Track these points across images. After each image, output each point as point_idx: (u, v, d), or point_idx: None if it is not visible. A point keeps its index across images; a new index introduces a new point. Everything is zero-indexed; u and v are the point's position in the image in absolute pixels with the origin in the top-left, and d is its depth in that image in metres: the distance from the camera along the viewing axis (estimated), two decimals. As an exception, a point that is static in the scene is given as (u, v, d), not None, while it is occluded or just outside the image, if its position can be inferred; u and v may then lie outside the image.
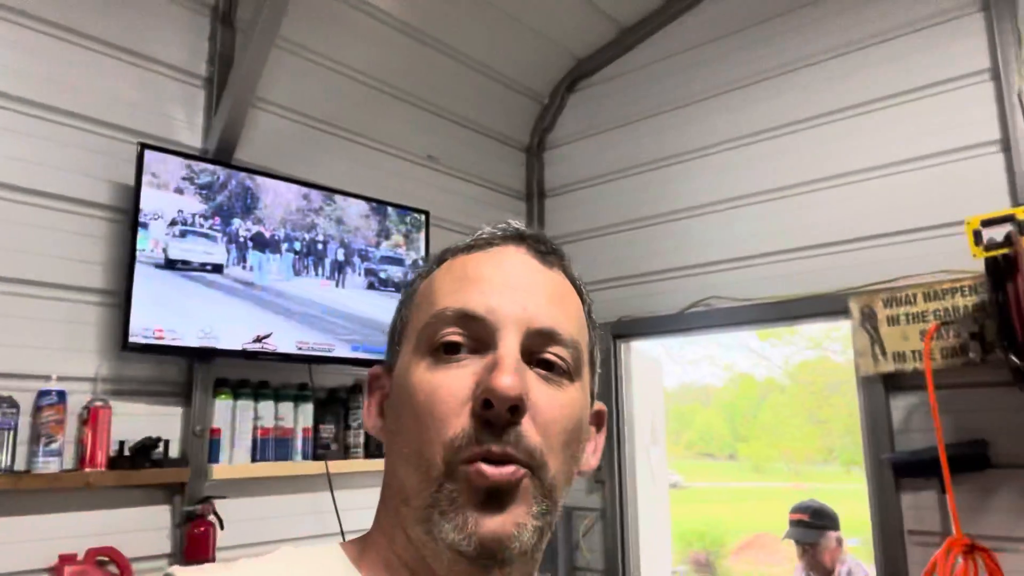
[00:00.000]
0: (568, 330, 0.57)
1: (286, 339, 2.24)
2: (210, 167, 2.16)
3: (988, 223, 1.89)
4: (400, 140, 2.90)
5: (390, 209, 2.61)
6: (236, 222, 2.19)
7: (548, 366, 0.55)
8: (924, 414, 2.31)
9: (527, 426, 0.52)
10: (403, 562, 0.55)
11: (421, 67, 2.94)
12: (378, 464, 2.49)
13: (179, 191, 2.09)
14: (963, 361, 2.19)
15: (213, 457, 2.14)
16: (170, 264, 2.04)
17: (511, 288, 0.56)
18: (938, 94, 2.43)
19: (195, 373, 2.16)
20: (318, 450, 2.38)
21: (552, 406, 0.54)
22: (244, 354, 2.16)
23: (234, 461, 2.17)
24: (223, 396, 2.19)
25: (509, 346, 0.53)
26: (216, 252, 2.14)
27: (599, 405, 0.66)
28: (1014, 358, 1.87)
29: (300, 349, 2.27)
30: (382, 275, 2.55)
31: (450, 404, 0.52)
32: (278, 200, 2.31)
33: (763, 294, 2.70)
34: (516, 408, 0.51)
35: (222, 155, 2.26)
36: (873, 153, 2.53)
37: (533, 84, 3.34)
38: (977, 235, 1.90)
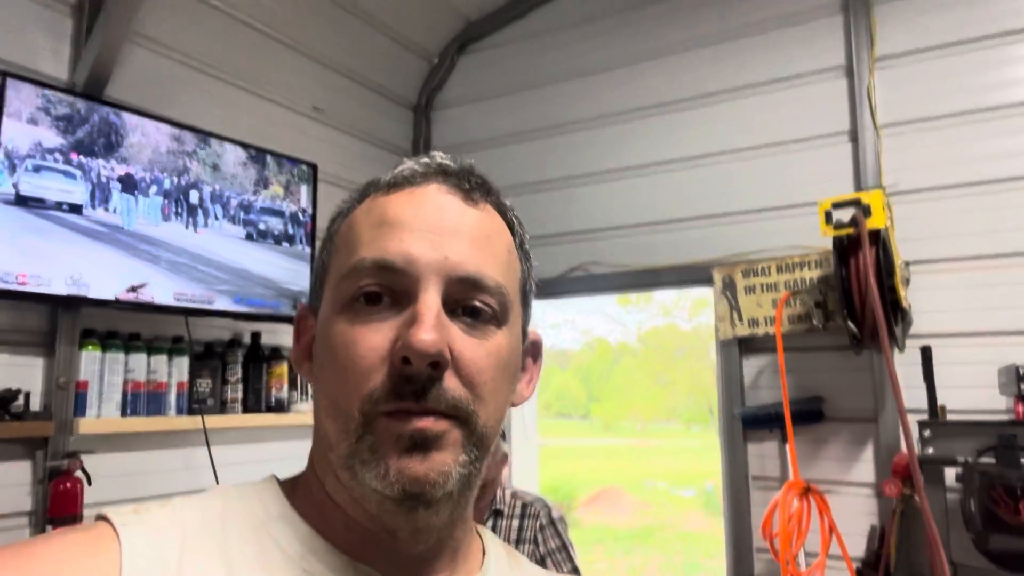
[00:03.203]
0: (493, 275, 0.55)
1: (162, 289, 2.14)
2: (71, 99, 1.99)
3: (837, 205, 2.12)
4: (286, 89, 2.79)
5: (269, 159, 2.52)
6: (99, 160, 2.04)
7: (473, 313, 0.54)
8: (771, 374, 2.57)
9: (450, 380, 0.51)
10: (335, 502, 0.56)
11: (309, 15, 2.83)
12: (256, 420, 2.46)
13: (33, 121, 1.92)
14: (807, 327, 2.46)
15: (79, 411, 2.02)
16: (21, 201, 1.87)
17: (431, 232, 0.54)
18: (798, 86, 2.67)
19: (60, 322, 2.02)
20: (193, 405, 2.31)
21: (478, 356, 0.53)
22: (118, 304, 2.04)
23: (103, 415, 2.06)
24: (90, 347, 2.07)
25: (429, 298, 0.52)
26: (75, 191, 1.99)
27: (534, 335, 0.65)
28: (851, 325, 2.14)
29: (178, 300, 2.18)
30: (261, 226, 2.47)
31: (369, 359, 0.51)
32: (146, 140, 2.16)
33: (637, 262, 2.88)
34: (437, 364, 0.50)
35: (92, 90, 2.09)
36: (739, 136, 2.75)
37: (423, 42, 3.30)
38: (828, 215, 2.13)
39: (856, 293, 2.09)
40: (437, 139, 3.43)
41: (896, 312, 2.20)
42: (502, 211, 0.60)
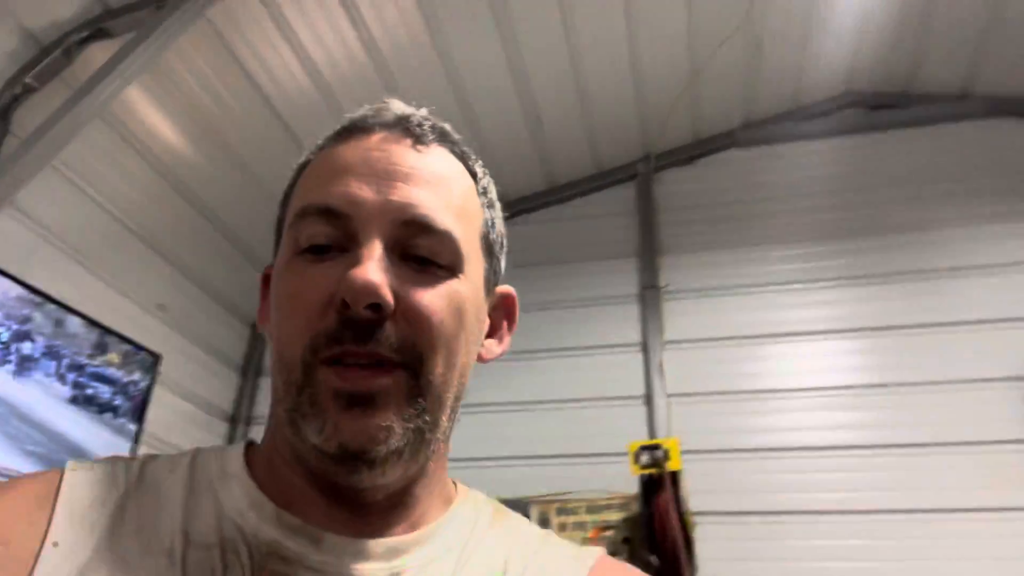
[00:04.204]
0: (443, 218, 0.53)
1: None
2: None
3: (644, 448, 2.50)
4: (134, 285, 2.80)
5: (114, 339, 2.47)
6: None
7: (423, 259, 0.52)
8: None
9: (395, 324, 0.49)
10: (283, 459, 0.54)
11: (173, 218, 2.94)
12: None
13: None
14: (611, 566, 2.67)
15: None
16: None
17: (376, 176, 0.53)
18: (604, 354, 3.19)
19: None
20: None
21: (427, 300, 0.51)
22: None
23: None
24: None
25: (372, 241, 0.51)
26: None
27: (505, 289, 0.63)
28: (654, 557, 2.40)
29: (-22, 473, 1.95)
30: (89, 391, 2.34)
31: (313, 306, 0.50)
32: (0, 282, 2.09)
33: (459, 494, 3.00)
34: (378, 307, 0.48)
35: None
36: (555, 389, 3.15)
37: (268, 258, 3.49)
38: (636, 456, 2.49)
39: (659, 526, 2.38)
40: (268, 358, 3.48)
41: (690, 551, 2.51)
42: (463, 158, 0.59)
